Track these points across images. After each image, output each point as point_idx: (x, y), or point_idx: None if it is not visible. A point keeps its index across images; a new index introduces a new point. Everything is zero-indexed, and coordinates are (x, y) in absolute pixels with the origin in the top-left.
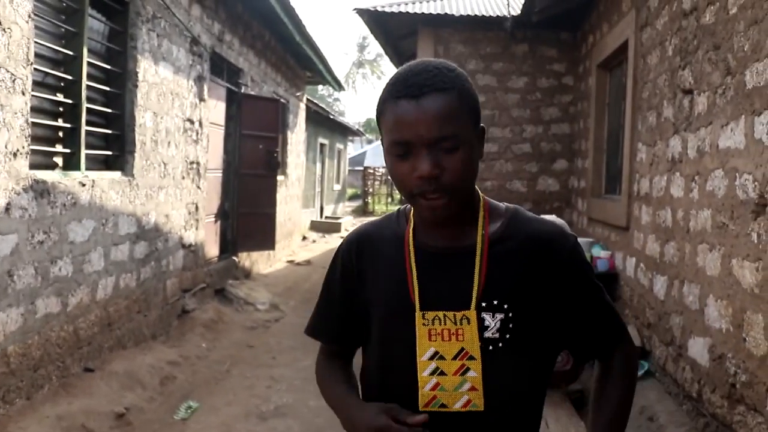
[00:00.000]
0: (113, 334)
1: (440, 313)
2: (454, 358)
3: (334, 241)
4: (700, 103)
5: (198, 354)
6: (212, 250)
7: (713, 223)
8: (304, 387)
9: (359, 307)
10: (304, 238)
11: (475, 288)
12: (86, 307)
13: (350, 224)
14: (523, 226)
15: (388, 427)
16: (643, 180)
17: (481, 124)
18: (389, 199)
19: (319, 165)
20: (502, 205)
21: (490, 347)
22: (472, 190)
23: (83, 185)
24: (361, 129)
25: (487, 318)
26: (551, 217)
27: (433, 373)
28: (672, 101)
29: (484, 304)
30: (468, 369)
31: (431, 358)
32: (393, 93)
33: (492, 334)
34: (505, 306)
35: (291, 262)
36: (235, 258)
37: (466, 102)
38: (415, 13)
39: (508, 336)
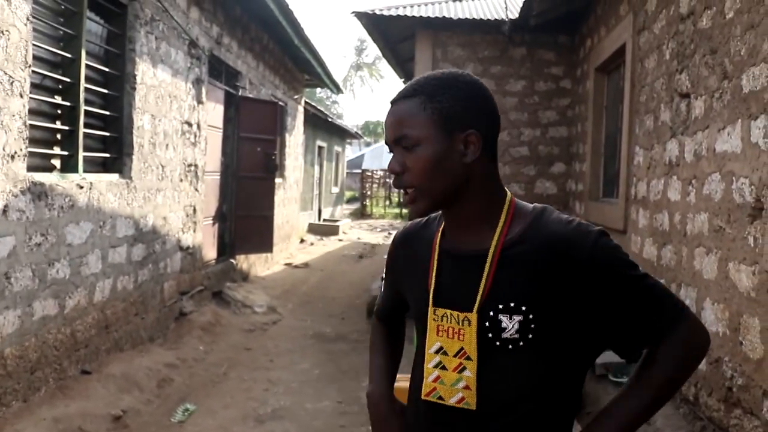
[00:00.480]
0: (110, 337)
1: (448, 311)
2: (455, 355)
3: (332, 244)
4: (697, 107)
5: (195, 357)
6: (210, 252)
7: (710, 227)
8: (302, 390)
9: (400, 293)
10: (302, 240)
11: (480, 292)
12: (83, 310)
13: (348, 227)
14: (542, 228)
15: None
16: (641, 183)
17: (470, 130)
18: (387, 202)
19: (317, 168)
20: (531, 206)
21: (510, 346)
22: (446, 190)
23: (81, 187)
24: (360, 132)
25: (504, 320)
26: None
27: (436, 366)
28: (669, 105)
29: (500, 307)
30: (465, 368)
31: (437, 351)
32: None
33: (511, 335)
34: (523, 308)
35: (289, 264)
36: (232, 261)
37: (433, 106)
38: (414, 16)
39: (530, 336)
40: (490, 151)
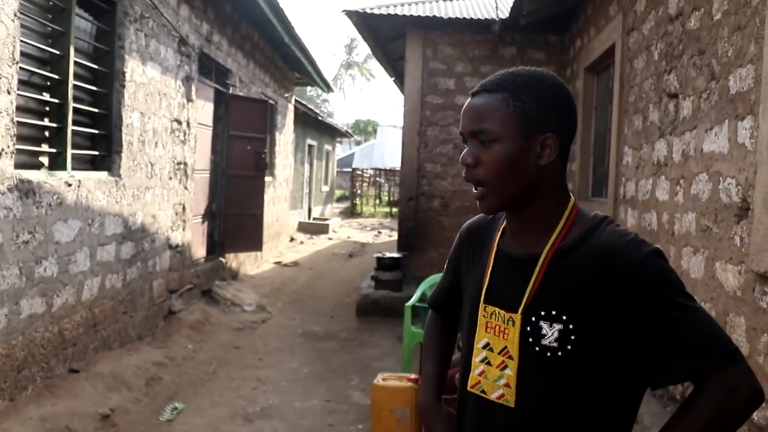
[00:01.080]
0: (99, 335)
1: (497, 310)
2: (499, 353)
3: (321, 243)
4: (685, 107)
5: (184, 355)
6: (199, 251)
7: (697, 227)
8: (291, 388)
9: (459, 283)
10: (292, 239)
11: (526, 295)
12: (71, 308)
13: (338, 226)
14: (595, 238)
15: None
16: (629, 183)
17: (549, 133)
18: (377, 201)
19: (307, 166)
20: (591, 214)
21: (548, 354)
22: (517, 191)
23: (69, 185)
24: (350, 130)
25: (545, 327)
26: None
27: (482, 361)
28: (658, 105)
29: (542, 313)
30: (506, 366)
31: (484, 347)
32: None
33: (550, 342)
34: (564, 317)
35: (278, 263)
36: (222, 259)
37: (517, 105)
38: (404, 15)
39: (569, 347)
40: (563, 155)
